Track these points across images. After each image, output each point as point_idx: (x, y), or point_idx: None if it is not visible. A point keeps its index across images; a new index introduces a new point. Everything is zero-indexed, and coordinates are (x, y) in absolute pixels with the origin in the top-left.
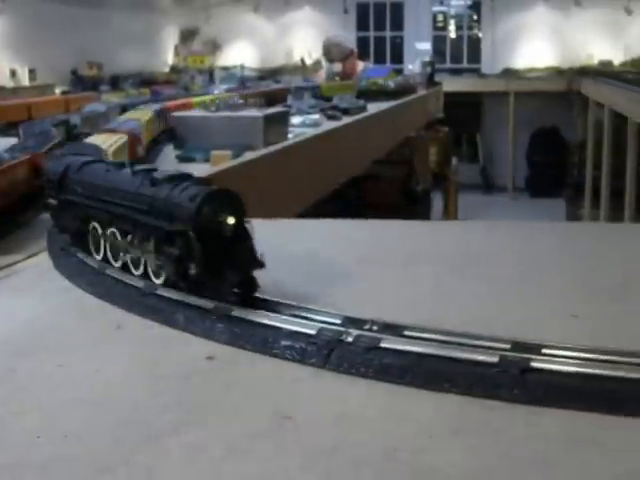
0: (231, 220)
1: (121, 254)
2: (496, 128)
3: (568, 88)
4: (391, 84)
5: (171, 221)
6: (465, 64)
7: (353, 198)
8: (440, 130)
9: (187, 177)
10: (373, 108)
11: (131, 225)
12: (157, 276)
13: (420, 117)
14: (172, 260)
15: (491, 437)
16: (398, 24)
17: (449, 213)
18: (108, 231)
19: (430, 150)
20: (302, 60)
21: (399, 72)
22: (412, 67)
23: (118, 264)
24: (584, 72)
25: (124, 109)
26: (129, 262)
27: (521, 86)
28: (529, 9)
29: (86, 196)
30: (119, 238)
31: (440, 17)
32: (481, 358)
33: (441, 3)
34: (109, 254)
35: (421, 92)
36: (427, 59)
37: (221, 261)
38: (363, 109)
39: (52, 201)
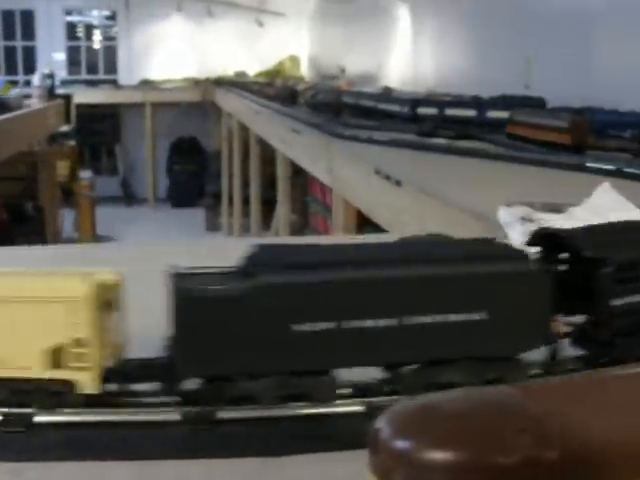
0: None
1: None
2: (136, 139)
3: (203, 98)
4: None
5: None
6: (102, 75)
7: None
8: (66, 144)
9: None
10: None
11: None
12: None
13: (37, 131)
14: None
15: None
16: (30, 33)
17: (84, 229)
18: None
19: (58, 165)
20: None
21: (27, 83)
22: (33, 80)
23: None
24: (219, 83)
25: None
26: None
27: (158, 97)
28: (164, 19)
29: None
30: None
31: (77, 27)
32: None
33: (79, 13)
34: None
35: (39, 105)
36: (47, 71)
37: None
38: None
39: None
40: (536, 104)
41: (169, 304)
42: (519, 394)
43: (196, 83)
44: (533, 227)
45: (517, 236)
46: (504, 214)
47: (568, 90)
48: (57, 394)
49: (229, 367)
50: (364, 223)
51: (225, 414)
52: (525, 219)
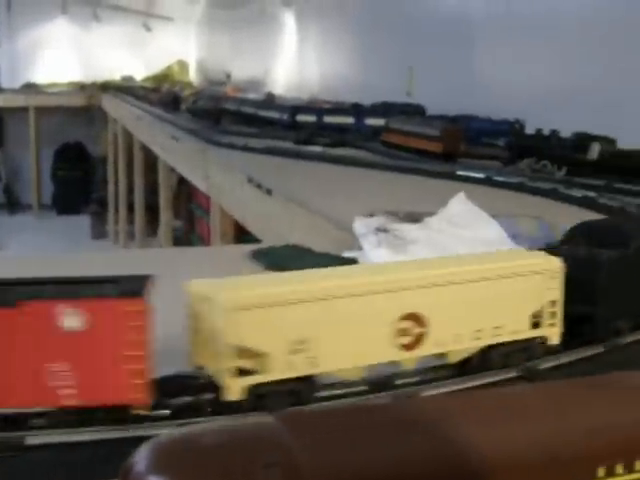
0: None
1: None
2: (20, 144)
3: (89, 103)
4: None
5: None
6: None
7: None
8: None
9: None
10: None
11: None
12: None
13: None
14: None
15: None
16: None
17: None
18: None
19: None
20: None
21: None
22: None
23: None
24: (106, 87)
25: None
26: None
27: (42, 101)
28: (49, 22)
29: None
30: None
31: None
32: None
33: None
34: None
35: None
36: None
37: None
38: None
39: None
40: (415, 111)
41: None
42: (279, 424)
43: (82, 88)
44: (387, 238)
45: (370, 247)
46: (359, 225)
47: (449, 98)
48: None
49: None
50: (243, 231)
51: (33, 440)
52: (380, 229)
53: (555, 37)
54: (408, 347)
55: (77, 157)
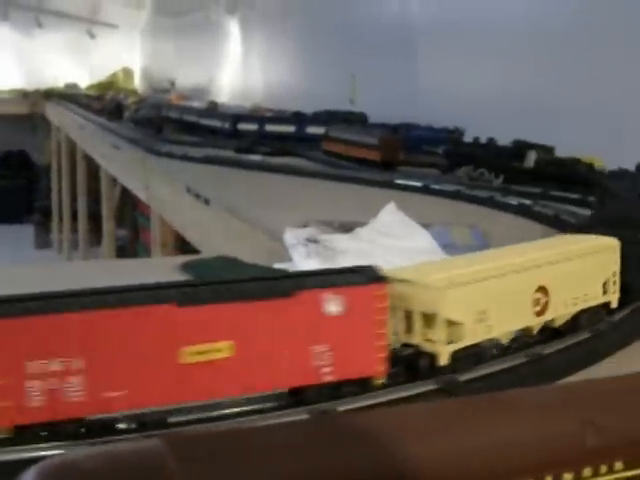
0: None
1: None
2: None
3: (32, 111)
4: None
5: None
6: None
7: None
8: None
9: None
10: None
11: None
12: None
13: None
14: None
15: None
16: None
17: None
18: None
19: None
20: None
21: None
22: None
23: None
24: (49, 95)
25: None
26: None
27: None
28: None
29: None
30: None
31: None
32: None
33: None
34: None
35: None
36: None
37: None
38: None
39: None
40: (358, 119)
41: None
42: (164, 448)
43: (25, 95)
44: (317, 248)
45: (299, 257)
46: (289, 236)
47: (391, 105)
48: None
49: None
50: (185, 241)
51: None
52: (310, 240)
53: (497, 46)
54: (538, 314)
55: (20, 165)
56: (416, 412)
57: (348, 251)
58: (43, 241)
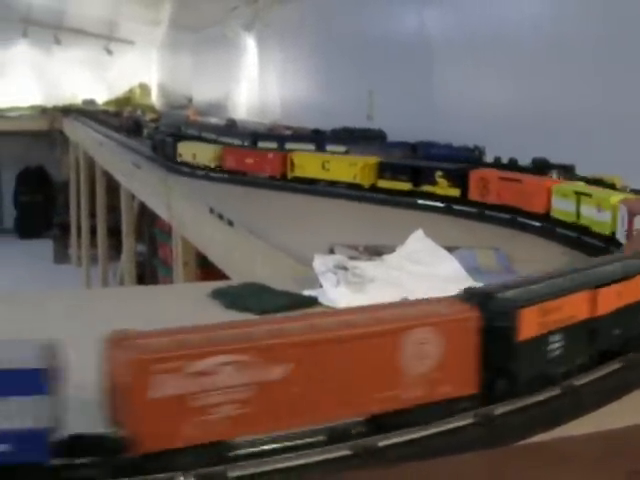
0: None
1: None
2: None
3: (51, 127)
4: None
5: None
6: None
7: None
8: None
9: None
10: None
11: None
12: None
13: None
14: None
15: None
16: None
17: None
18: None
19: None
20: None
21: None
22: None
23: None
24: (67, 111)
25: None
26: None
27: (3, 125)
28: (9, 45)
29: None
30: None
31: None
32: None
33: None
34: None
35: None
36: None
37: None
38: None
39: None
40: (376, 136)
41: None
42: None
43: (43, 111)
44: (346, 276)
45: (329, 285)
46: (319, 263)
47: (410, 122)
48: None
49: None
50: (207, 260)
51: None
52: (338, 267)
53: (516, 62)
54: None
55: (39, 181)
56: (466, 462)
57: (376, 279)
58: (62, 256)
